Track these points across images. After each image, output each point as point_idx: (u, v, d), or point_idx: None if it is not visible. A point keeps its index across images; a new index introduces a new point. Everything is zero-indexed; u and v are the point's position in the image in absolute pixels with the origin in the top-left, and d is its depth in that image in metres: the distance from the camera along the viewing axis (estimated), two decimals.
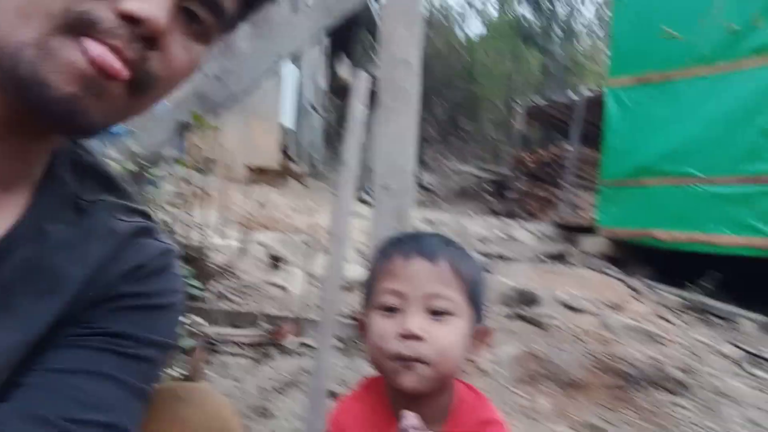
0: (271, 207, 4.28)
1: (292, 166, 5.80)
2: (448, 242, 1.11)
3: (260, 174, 5.27)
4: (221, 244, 2.60)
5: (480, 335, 1.15)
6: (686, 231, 4.96)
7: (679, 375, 2.69)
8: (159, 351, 0.72)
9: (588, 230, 5.85)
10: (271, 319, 2.31)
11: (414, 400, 1.11)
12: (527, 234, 5.68)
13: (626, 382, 2.63)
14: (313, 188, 6.35)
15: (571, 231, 6.08)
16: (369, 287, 1.15)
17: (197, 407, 0.81)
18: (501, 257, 4.55)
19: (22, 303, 0.65)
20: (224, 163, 4.84)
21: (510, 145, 12.74)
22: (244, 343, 2.22)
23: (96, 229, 0.70)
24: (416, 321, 1.06)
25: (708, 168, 4.88)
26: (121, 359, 0.69)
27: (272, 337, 2.27)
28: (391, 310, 1.09)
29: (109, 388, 0.68)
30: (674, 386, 2.65)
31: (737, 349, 3.35)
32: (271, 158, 5.34)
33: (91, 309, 0.69)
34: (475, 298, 1.11)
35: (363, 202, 6.06)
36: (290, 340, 2.30)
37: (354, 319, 1.24)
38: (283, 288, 2.69)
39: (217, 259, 2.49)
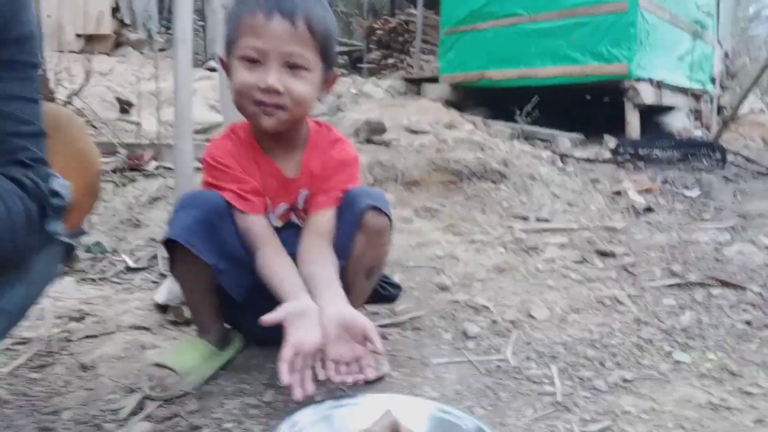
0: (113, 75, 4.17)
1: (128, 33, 5.53)
2: None
3: (93, 42, 5.01)
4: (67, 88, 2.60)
5: (329, 82, 1.39)
6: (515, 68, 5.48)
7: (501, 168, 3.19)
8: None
9: (433, 80, 6.27)
10: (129, 146, 2.42)
11: (275, 135, 1.35)
12: (378, 89, 5.98)
13: (457, 177, 3.08)
14: (152, 57, 6.13)
15: (418, 83, 6.47)
16: (231, 35, 1.32)
17: (59, 134, 1.00)
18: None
19: None
20: (50, 32, 4.55)
21: (360, 16, 12.74)
22: (106, 170, 2.34)
23: None
24: (274, 76, 1.27)
25: (532, 7, 5.36)
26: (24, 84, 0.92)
27: (133, 163, 2.40)
28: (252, 62, 1.29)
29: (27, 106, 0.92)
30: (496, 177, 3.14)
31: (552, 155, 3.95)
32: (103, 25, 5.06)
33: None
34: (327, 51, 1.33)
35: (212, 70, 5.97)
36: (151, 165, 2.45)
37: (221, 63, 1.42)
38: (137, 123, 2.78)
39: (64, 96, 2.52)
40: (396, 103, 4.44)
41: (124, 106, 2.94)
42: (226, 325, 1.48)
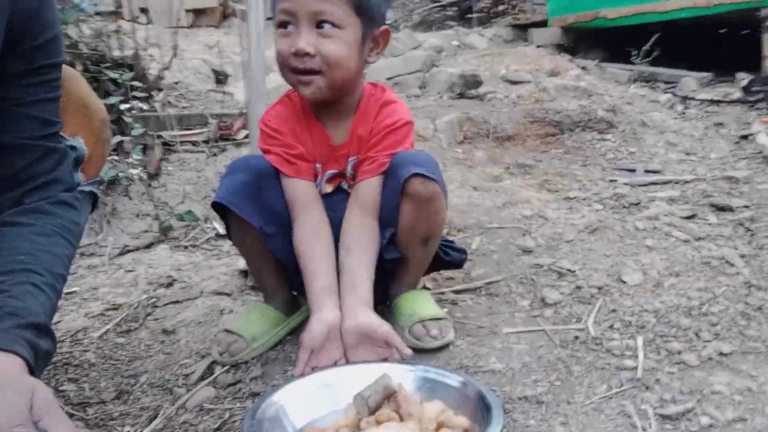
0: (217, 47, 4.30)
1: (233, 4, 5.67)
2: None
3: (201, 15, 5.20)
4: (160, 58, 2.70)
5: (377, 39, 1.32)
6: (632, 4, 4.99)
7: (608, 116, 2.92)
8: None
9: (541, 24, 5.88)
10: (220, 117, 2.49)
11: (324, 102, 1.32)
12: (482, 38, 5.71)
13: (556, 129, 2.87)
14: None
15: (525, 29, 6.09)
16: (272, 3, 1.31)
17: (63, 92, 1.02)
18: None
19: None
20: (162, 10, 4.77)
21: None
22: (198, 141, 2.42)
23: None
24: (304, 38, 1.23)
25: None
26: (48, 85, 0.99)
27: (223, 133, 2.47)
28: (285, 26, 1.25)
29: (51, 106, 0.99)
30: (602, 126, 2.89)
31: (672, 98, 3.57)
32: None
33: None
34: (364, 6, 1.25)
35: None
36: (241, 134, 2.50)
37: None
38: (229, 93, 2.85)
39: (156, 71, 2.62)
40: (496, 53, 4.20)
41: (219, 78, 3.03)
42: (294, 293, 1.48)
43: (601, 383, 1.13)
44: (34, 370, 0.81)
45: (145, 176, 2.24)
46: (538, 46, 5.28)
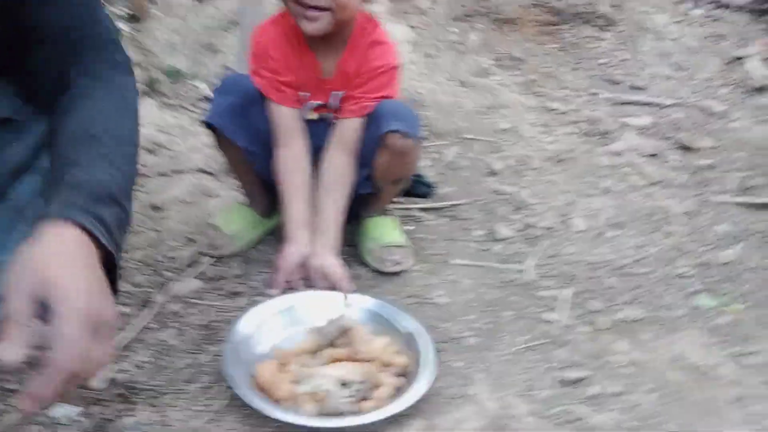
0: None
1: None
2: None
3: None
4: None
5: None
6: None
7: (610, 12, 2.85)
8: None
9: None
10: None
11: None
12: None
13: (557, 17, 2.81)
14: None
15: None
16: None
17: None
18: None
19: None
20: None
21: None
22: None
23: None
24: None
25: None
26: None
27: None
28: None
29: None
30: (603, 22, 2.83)
31: None
32: None
33: None
34: None
35: None
36: None
37: None
38: None
39: None
40: None
41: None
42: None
43: (522, 334, 1.34)
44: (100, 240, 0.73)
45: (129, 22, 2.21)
46: None
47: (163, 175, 1.84)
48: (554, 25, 2.81)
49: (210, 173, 1.86)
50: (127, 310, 1.35)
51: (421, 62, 2.42)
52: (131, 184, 0.85)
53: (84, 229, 0.71)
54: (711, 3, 3.27)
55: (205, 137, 2.03)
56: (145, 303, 1.38)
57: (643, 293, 1.48)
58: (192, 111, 2.19)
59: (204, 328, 1.32)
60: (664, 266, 1.56)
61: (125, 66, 0.94)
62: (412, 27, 2.56)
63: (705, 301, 1.46)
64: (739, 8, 3.23)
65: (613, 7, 2.88)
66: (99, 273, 0.71)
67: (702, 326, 1.39)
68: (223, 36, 2.32)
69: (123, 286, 1.34)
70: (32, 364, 0.65)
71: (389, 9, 2.57)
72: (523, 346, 1.31)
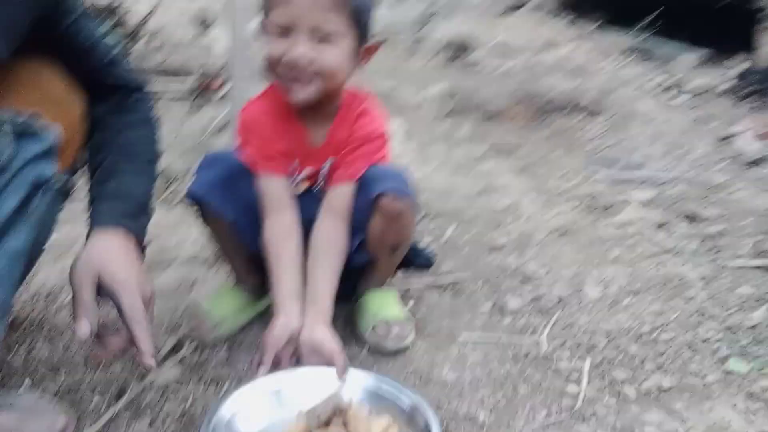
0: None
1: None
2: None
3: None
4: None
5: (367, 51, 1.31)
6: None
7: (596, 101, 2.91)
8: None
9: None
10: (201, 70, 2.44)
11: (307, 106, 1.31)
12: None
13: (544, 109, 2.86)
14: None
15: None
16: (264, 5, 1.28)
17: (35, 87, 1.02)
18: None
19: None
20: None
21: None
22: (179, 91, 2.38)
23: None
24: (301, 48, 1.21)
25: None
26: None
27: (204, 88, 2.42)
28: (281, 32, 1.23)
29: None
30: (590, 111, 2.88)
31: (664, 80, 3.53)
32: None
33: None
34: (360, 19, 1.24)
35: None
36: (222, 89, 2.46)
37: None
38: (208, 47, 2.78)
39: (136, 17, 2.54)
40: (494, 13, 4.10)
41: (203, 24, 2.93)
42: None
43: (543, 408, 1.20)
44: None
45: None
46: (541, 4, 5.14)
47: (151, 266, 1.76)
48: (541, 114, 2.86)
49: (200, 261, 1.78)
50: (100, 399, 1.22)
51: (415, 150, 2.42)
52: (154, 189, 1.18)
53: (129, 231, 1.07)
54: (694, 90, 3.36)
55: (196, 229, 1.99)
56: (120, 393, 1.24)
57: (670, 360, 1.35)
58: (185, 206, 2.15)
59: (181, 417, 1.18)
60: (688, 331, 1.44)
61: (144, 94, 1.20)
62: (405, 119, 2.59)
63: (738, 365, 1.33)
64: (723, 93, 3.32)
65: (596, 97, 2.95)
66: (140, 263, 1.09)
67: (738, 391, 1.25)
68: (216, 137, 2.34)
69: (99, 377, 1.28)
70: (98, 335, 1.03)
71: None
72: (543, 422, 1.16)
